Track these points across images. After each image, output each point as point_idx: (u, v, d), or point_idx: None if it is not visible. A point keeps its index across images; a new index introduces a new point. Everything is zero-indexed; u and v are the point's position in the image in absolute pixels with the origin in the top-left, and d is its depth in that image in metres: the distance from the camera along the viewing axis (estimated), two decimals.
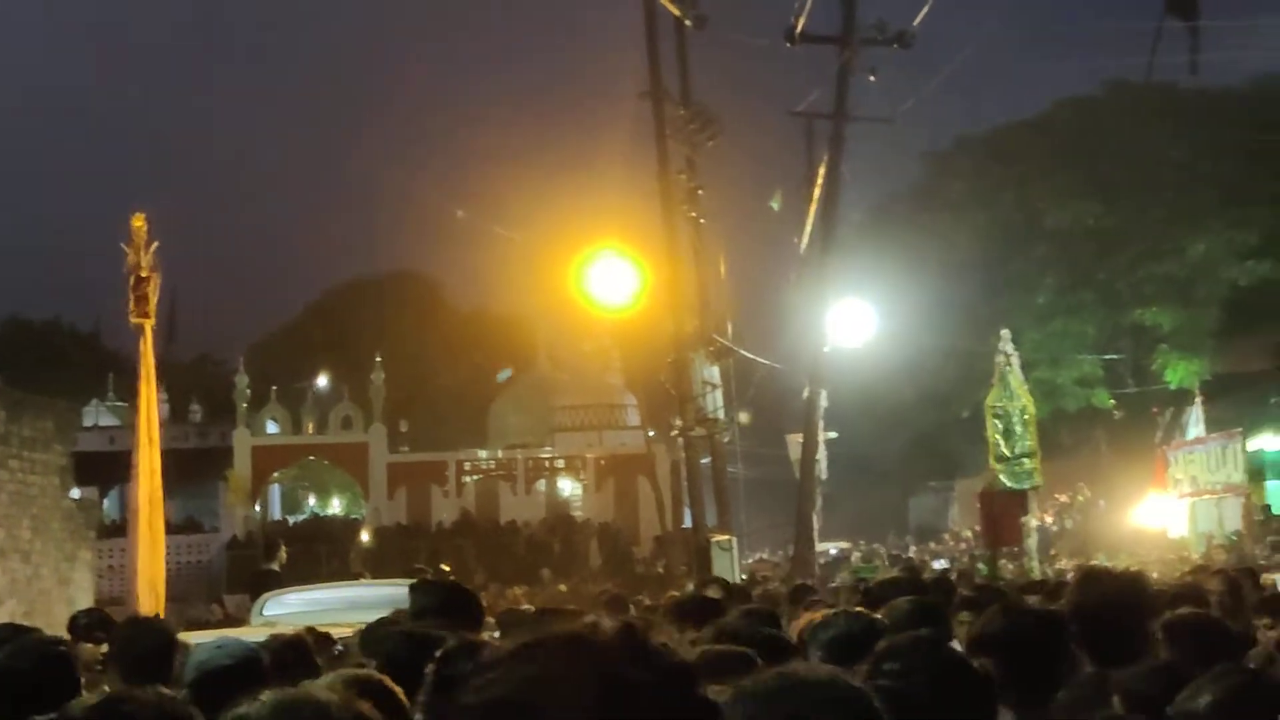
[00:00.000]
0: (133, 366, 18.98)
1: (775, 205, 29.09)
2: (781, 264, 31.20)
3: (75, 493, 30.05)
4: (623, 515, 47.63)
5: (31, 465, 25.30)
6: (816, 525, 27.07)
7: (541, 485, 50.07)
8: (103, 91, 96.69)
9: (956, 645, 4.60)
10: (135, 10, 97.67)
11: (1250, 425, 32.14)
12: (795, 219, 27.94)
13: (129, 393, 24.68)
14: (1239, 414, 33.91)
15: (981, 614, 4.89)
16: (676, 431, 26.12)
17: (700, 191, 25.05)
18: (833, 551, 43.43)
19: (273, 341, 63.04)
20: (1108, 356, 42.71)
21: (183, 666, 6.00)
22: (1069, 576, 14.68)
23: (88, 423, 48.18)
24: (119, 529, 33.67)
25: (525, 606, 14.33)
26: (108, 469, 39.55)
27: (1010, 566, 27.40)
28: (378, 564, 35.08)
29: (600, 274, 25.96)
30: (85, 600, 24.24)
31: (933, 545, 48.90)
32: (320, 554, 39.01)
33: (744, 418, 30.64)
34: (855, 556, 43.47)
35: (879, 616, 5.65)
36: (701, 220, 25.16)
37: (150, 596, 14.73)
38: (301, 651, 6.16)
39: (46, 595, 24.96)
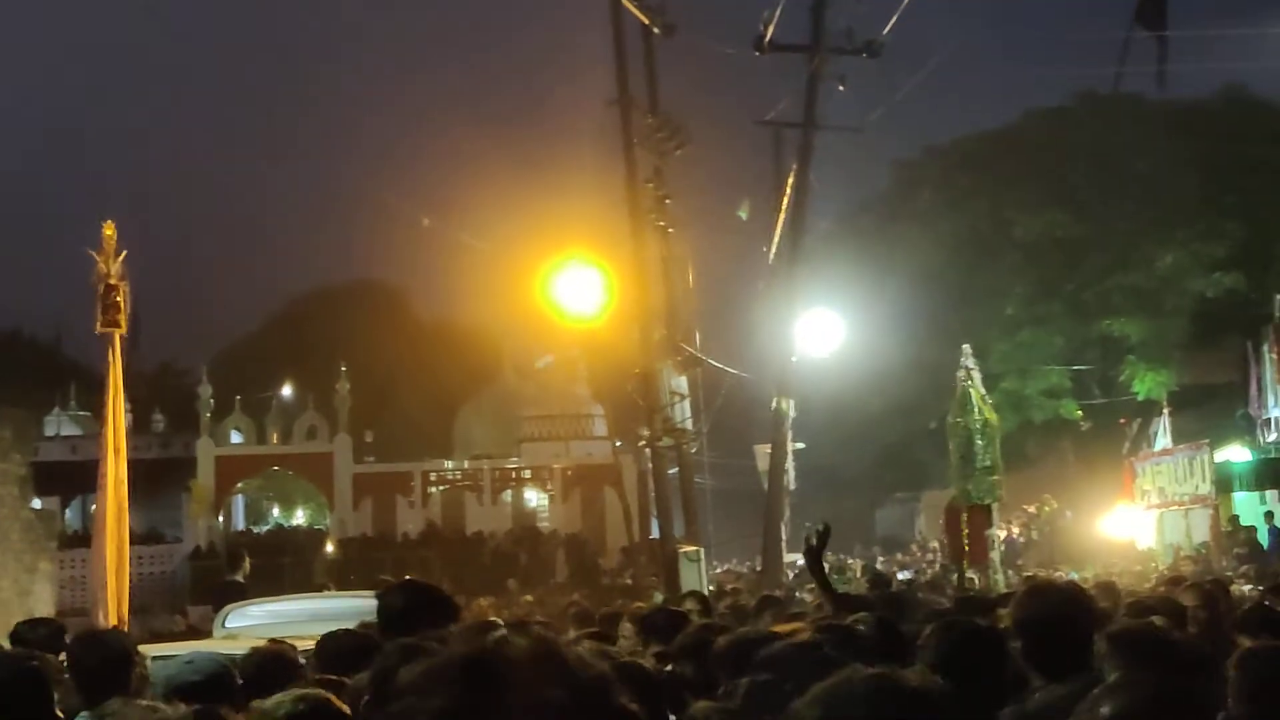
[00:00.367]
0: (95, 376, 18.75)
1: (743, 214, 28.99)
2: (750, 273, 31.21)
3: (36, 503, 29.75)
4: (589, 526, 47.47)
5: None
6: (784, 536, 27.01)
7: (508, 496, 49.90)
8: (54, 99, 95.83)
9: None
10: (87, 17, 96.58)
11: (1217, 437, 32.17)
12: (764, 228, 27.94)
13: (92, 402, 24.43)
14: (1206, 425, 33.92)
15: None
16: (644, 442, 25.96)
17: (668, 200, 24.93)
18: (801, 562, 43.26)
19: (236, 350, 62.71)
20: (1075, 367, 42.72)
21: (141, 679, 5.84)
22: None
23: (49, 432, 47.87)
24: (81, 539, 33.36)
25: (492, 618, 14.18)
26: (70, 478, 39.27)
27: (977, 580, 27.32)
28: (343, 575, 34.87)
29: (567, 283, 25.81)
30: (45, 611, 23.92)
31: (899, 556, 48.84)
32: (285, 565, 38.69)
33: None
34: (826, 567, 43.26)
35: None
36: (669, 229, 25.04)
37: (115, 608, 14.49)
38: (284, 664, 6.01)
39: (6, 606, 24.68)
